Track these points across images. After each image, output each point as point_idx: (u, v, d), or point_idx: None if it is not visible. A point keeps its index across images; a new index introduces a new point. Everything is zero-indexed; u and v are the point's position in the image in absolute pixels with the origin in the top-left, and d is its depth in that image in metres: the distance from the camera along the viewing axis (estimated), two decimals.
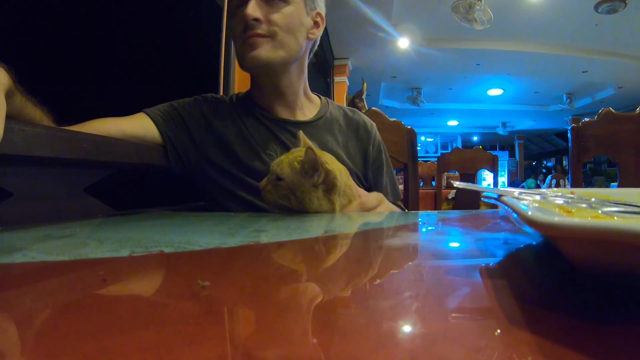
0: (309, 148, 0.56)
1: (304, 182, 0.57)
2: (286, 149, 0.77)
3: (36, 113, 0.59)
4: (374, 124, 0.92)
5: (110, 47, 1.14)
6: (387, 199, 0.88)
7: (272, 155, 0.65)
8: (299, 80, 0.83)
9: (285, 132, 0.80)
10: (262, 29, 0.73)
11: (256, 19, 0.72)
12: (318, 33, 0.82)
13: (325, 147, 0.80)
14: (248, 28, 0.72)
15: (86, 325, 0.16)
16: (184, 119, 0.79)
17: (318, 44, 0.86)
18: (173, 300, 0.20)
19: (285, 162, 0.59)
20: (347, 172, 0.65)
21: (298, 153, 0.60)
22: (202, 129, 0.79)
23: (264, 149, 0.77)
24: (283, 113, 0.82)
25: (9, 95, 0.48)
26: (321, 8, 0.82)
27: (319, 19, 0.81)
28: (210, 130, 0.79)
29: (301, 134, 0.67)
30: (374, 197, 0.71)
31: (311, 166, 0.57)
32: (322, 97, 0.92)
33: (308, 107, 0.87)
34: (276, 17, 0.73)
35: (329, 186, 0.58)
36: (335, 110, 0.90)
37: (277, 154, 0.68)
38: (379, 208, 0.70)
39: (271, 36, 0.74)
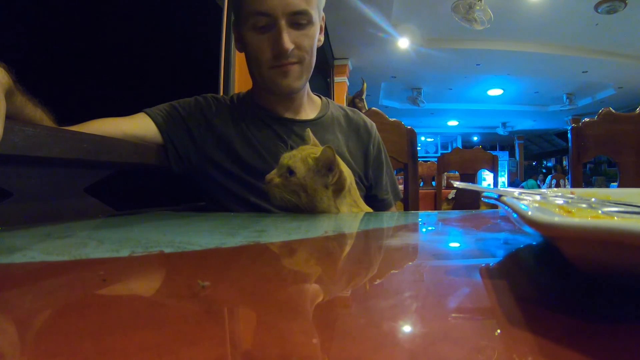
0: (328, 147, 0.55)
1: (317, 181, 0.56)
2: (289, 148, 0.77)
3: (36, 113, 0.58)
4: (374, 124, 0.93)
5: (111, 47, 1.14)
6: (388, 198, 0.88)
7: (281, 151, 0.64)
8: (306, 84, 0.84)
9: (288, 131, 0.80)
10: (294, 56, 0.74)
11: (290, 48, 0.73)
12: (323, 38, 0.82)
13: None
14: (281, 57, 0.73)
15: (86, 325, 0.16)
16: (185, 119, 0.79)
17: None
18: (173, 300, 0.20)
19: (298, 157, 0.57)
20: (352, 175, 0.65)
21: (310, 150, 0.58)
22: (202, 129, 0.79)
23: (266, 148, 0.77)
24: (286, 113, 0.82)
25: (9, 95, 0.48)
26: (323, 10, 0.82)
27: (322, 23, 0.81)
28: (211, 130, 0.79)
29: (309, 131, 0.67)
30: None
31: (326, 165, 0.56)
32: (323, 98, 0.92)
33: (310, 107, 0.87)
34: (305, 42, 0.74)
35: (339, 187, 0.58)
36: (336, 110, 0.90)
37: (283, 152, 0.68)
38: None
39: (299, 61, 0.75)
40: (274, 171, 0.59)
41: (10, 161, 0.49)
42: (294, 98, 0.82)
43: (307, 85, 0.86)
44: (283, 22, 0.71)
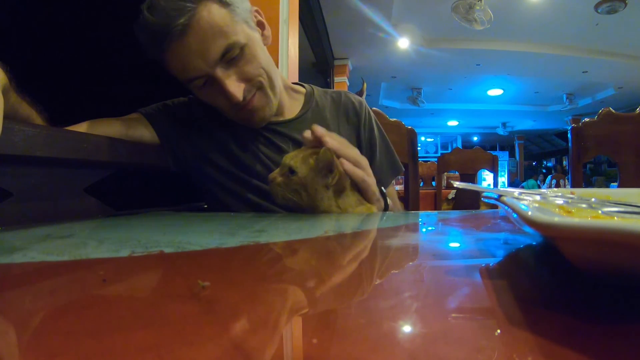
0: (327, 149, 0.55)
1: (318, 181, 0.56)
2: (277, 149, 0.76)
3: (31, 112, 0.58)
4: (363, 102, 0.88)
5: (107, 46, 1.14)
6: (385, 177, 0.84)
7: (276, 152, 0.62)
8: (279, 82, 0.78)
9: (274, 133, 0.78)
10: (249, 92, 0.69)
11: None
12: (268, 33, 0.75)
13: None
14: (239, 104, 0.68)
15: (86, 325, 0.16)
16: (179, 118, 0.79)
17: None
18: (173, 300, 0.20)
19: (300, 157, 0.57)
20: None
21: (313, 150, 0.58)
22: (196, 128, 0.79)
23: (257, 148, 0.77)
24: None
25: (4, 93, 0.48)
26: (251, 4, 0.72)
27: (260, 17, 0.74)
28: (206, 129, 0.79)
29: (315, 127, 0.66)
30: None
31: (326, 166, 0.56)
32: (307, 86, 0.88)
33: (293, 100, 0.84)
34: (250, 68, 0.68)
35: (340, 188, 0.58)
36: (322, 98, 0.86)
37: (268, 156, 0.67)
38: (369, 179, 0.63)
39: (259, 88, 0.70)
40: (277, 170, 0.60)
41: (10, 161, 0.49)
42: None
43: (283, 81, 0.81)
44: (219, 72, 0.65)
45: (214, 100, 0.71)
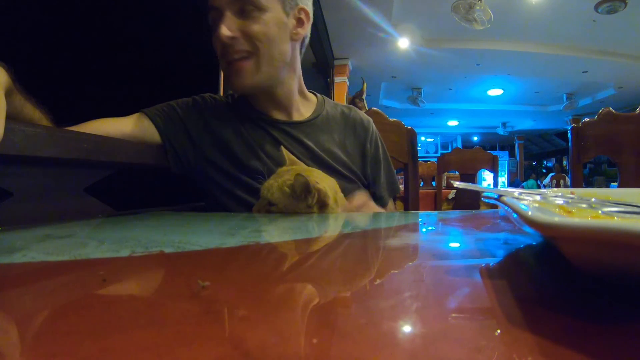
0: (298, 174, 0.55)
1: (298, 205, 0.58)
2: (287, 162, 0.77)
3: (35, 113, 0.58)
4: (371, 120, 0.91)
5: (110, 47, 1.14)
6: (385, 196, 0.88)
7: (291, 150, 0.64)
8: (293, 83, 0.81)
9: (281, 132, 0.79)
10: (242, 46, 0.69)
11: (233, 37, 0.68)
12: (303, 32, 0.77)
13: (322, 146, 0.80)
14: (226, 51, 0.69)
15: (86, 325, 0.16)
16: (182, 119, 0.79)
17: (308, 41, 0.82)
18: (173, 300, 0.20)
19: (275, 187, 0.58)
20: (336, 183, 0.65)
21: (287, 176, 0.59)
22: (200, 129, 0.79)
23: (262, 149, 0.77)
24: (278, 115, 0.81)
25: (8, 94, 0.48)
26: (305, 3, 0.76)
27: (302, 16, 0.76)
28: (209, 130, 0.79)
29: (283, 150, 0.67)
30: (356, 197, 0.71)
31: (303, 190, 0.57)
32: (319, 95, 0.90)
33: (304, 106, 0.85)
34: (254, 29, 0.68)
35: (322, 205, 0.59)
36: (332, 109, 0.88)
37: (273, 157, 0.68)
38: (363, 209, 0.71)
39: (253, 52, 0.70)
40: (257, 204, 0.62)
41: (10, 161, 0.49)
42: (280, 99, 0.80)
43: (300, 84, 0.83)
44: (228, 12, 0.67)
45: (214, 43, 0.72)
